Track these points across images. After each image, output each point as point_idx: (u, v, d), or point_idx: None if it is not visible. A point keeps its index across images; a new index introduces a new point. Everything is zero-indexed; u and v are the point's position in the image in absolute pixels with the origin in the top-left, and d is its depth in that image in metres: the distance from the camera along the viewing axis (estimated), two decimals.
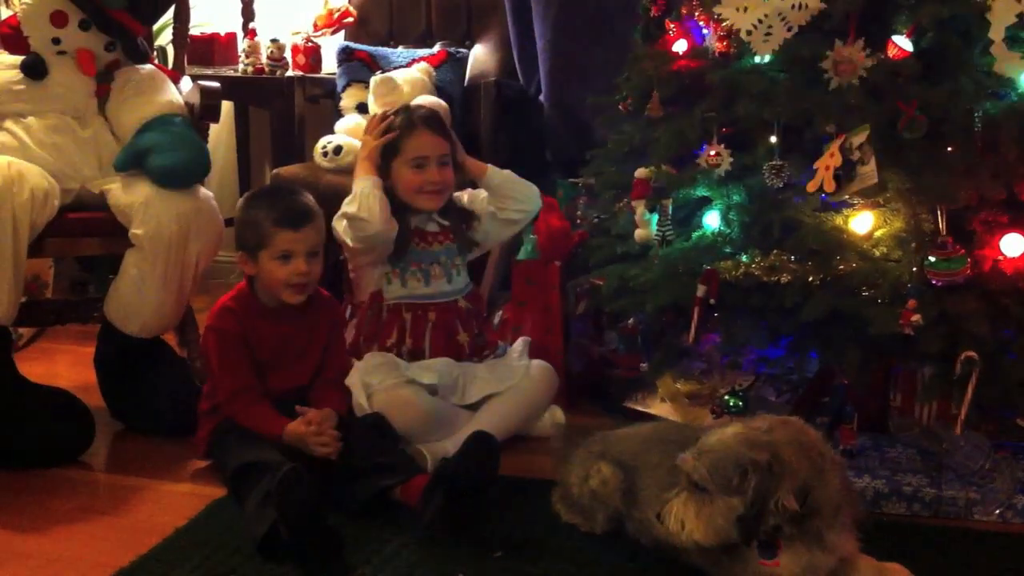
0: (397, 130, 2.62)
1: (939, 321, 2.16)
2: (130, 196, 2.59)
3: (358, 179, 2.59)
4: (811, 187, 2.35)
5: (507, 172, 2.71)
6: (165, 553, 2.05)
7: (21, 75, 2.72)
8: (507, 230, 2.81)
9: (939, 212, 2.24)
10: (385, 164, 2.61)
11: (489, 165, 2.71)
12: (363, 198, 2.53)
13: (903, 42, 2.31)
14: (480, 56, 3.80)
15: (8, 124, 2.67)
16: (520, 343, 2.71)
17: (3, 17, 2.97)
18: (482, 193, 2.74)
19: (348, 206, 2.54)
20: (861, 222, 2.32)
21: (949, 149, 2.29)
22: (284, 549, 1.99)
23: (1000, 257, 2.22)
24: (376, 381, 2.48)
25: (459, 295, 2.71)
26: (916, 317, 2.15)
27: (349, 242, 2.57)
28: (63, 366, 3.06)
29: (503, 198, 2.71)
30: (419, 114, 2.66)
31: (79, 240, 2.68)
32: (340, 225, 2.57)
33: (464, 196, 2.78)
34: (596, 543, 2.08)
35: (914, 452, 2.38)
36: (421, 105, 2.86)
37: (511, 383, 2.59)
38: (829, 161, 2.33)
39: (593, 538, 2.09)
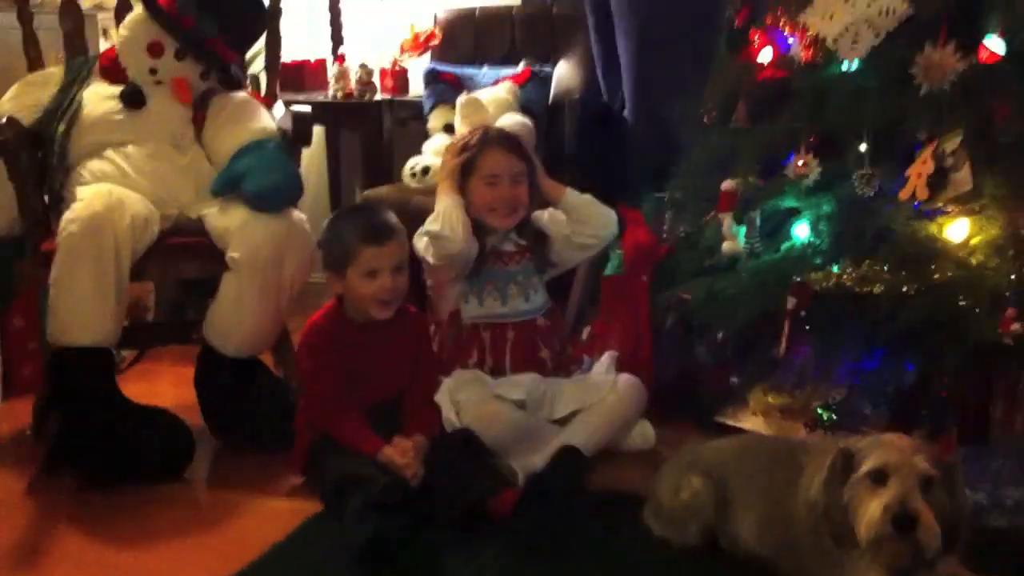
0: (473, 148, 2.66)
1: None
2: (227, 220, 2.65)
3: (440, 198, 2.63)
4: (904, 195, 2.32)
5: (587, 197, 2.72)
6: (264, 568, 2.09)
7: (121, 105, 2.80)
8: (580, 254, 2.82)
9: None
10: (463, 183, 2.66)
11: (568, 188, 2.72)
12: (446, 217, 2.57)
13: (995, 44, 2.26)
14: (564, 73, 3.82)
15: (109, 153, 2.74)
16: (606, 357, 2.71)
17: (103, 49, 3.07)
18: (562, 215, 2.75)
19: (431, 224, 2.58)
20: (956, 229, 2.27)
21: None
22: (382, 559, 2.01)
23: None
24: (465, 397, 2.51)
25: (537, 314, 2.72)
26: (1016, 325, 2.10)
27: (431, 260, 2.61)
28: (164, 386, 3.14)
29: (578, 222, 2.71)
30: (494, 133, 2.72)
31: (178, 264, 2.75)
32: (421, 243, 2.62)
33: (544, 215, 2.79)
34: (686, 557, 2.05)
35: (1016, 464, 2.31)
36: (499, 127, 2.90)
37: (598, 398, 2.59)
38: (921, 168, 2.29)
39: (684, 552, 2.06)
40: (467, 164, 2.66)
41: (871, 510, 1.67)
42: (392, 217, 2.49)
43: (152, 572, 2.11)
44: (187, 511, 2.39)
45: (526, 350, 2.66)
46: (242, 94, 2.94)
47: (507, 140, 2.70)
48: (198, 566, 2.11)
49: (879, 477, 1.68)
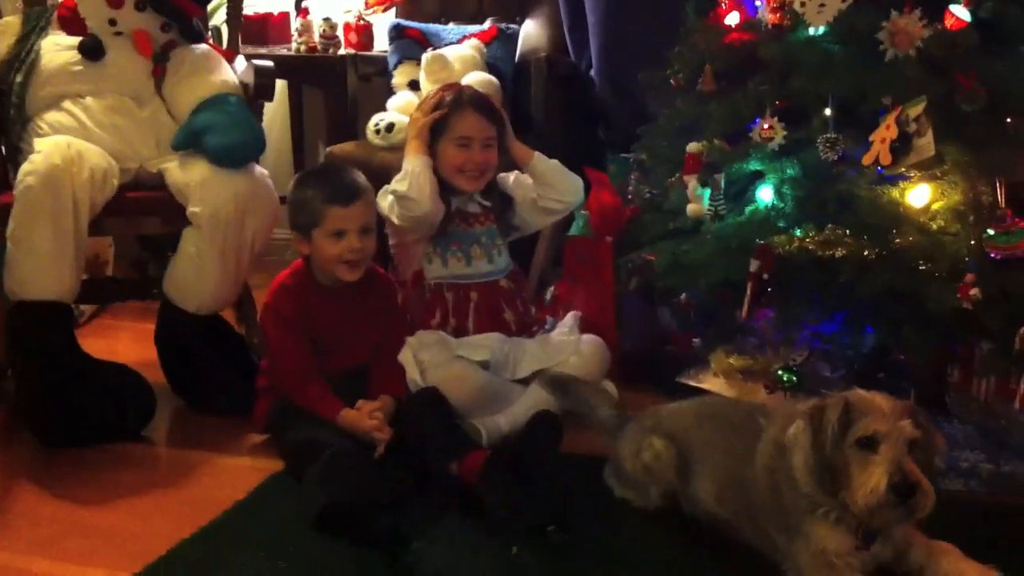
0: (446, 108, 2.63)
1: (998, 296, 2.13)
2: (187, 175, 2.62)
3: (409, 158, 2.60)
4: (867, 160, 2.32)
5: (553, 162, 2.71)
6: (225, 526, 2.09)
7: (79, 56, 2.74)
8: (544, 218, 2.82)
9: (998, 185, 2.21)
10: (432, 142, 2.63)
11: (536, 152, 2.70)
12: (414, 177, 2.55)
13: (961, 12, 2.27)
14: (531, 32, 3.79)
15: (67, 105, 2.70)
16: (569, 318, 2.72)
17: None
18: (528, 178, 2.74)
19: (398, 184, 2.56)
20: (918, 195, 2.29)
21: (1008, 121, 2.25)
22: (341, 522, 2.01)
23: None
24: (429, 358, 2.51)
25: (500, 275, 2.72)
26: (974, 291, 2.12)
27: (395, 220, 2.59)
28: (124, 342, 3.11)
29: (544, 186, 2.70)
30: (468, 94, 2.68)
31: (138, 219, 2.71)
32: (385, 201, 2.60)
33: (511, 177, 2.78)
34: (649, 519, 2.08)
35: (972, 429, 2.35)
36: (472, 86, 2.86)
37: (561, 358, 2.59)
38: (885, 133, 2.29)
39: (646, 514, 2.09)
40: (438, 124, 2.63)
41: (873, 479, 1.67)
42: (359, 177, 2.46)
43: (112, 531, 2.10)
44: (148, 470, 2.38)
45: (489, 311, 2.66)
46: (203, 47, 2.90)
47: (480, 102, 2.67)
48: (159, 524, 2.10)
49: (868, 443, 1.69)
